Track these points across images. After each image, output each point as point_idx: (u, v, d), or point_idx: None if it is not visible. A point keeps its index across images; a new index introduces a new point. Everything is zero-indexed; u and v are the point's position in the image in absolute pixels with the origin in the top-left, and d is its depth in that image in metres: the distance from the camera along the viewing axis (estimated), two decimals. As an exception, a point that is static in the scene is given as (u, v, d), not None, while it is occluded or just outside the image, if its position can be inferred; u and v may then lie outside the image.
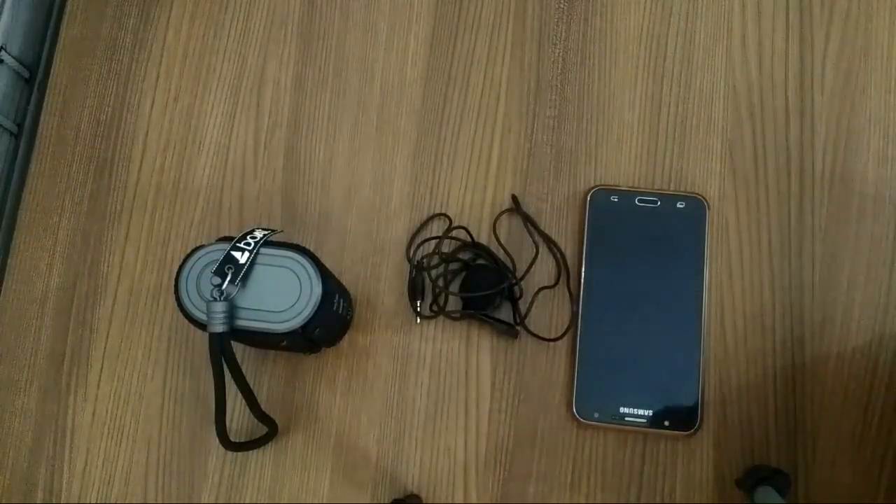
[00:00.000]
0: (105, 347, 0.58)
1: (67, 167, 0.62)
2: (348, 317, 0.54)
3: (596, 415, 0.53)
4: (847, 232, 0.55)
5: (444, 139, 0.60)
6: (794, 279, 0.55)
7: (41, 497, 0.56)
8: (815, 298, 0.54)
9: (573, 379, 0.53)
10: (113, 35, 0.64)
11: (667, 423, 0.52)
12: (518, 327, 0.55)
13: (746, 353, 0.54)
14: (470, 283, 0.54)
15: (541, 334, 0.55)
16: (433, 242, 0.57)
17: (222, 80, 0.62)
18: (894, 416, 0.52)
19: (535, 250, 0.56)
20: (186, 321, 0.58)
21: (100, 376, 0.58)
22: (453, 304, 0.56)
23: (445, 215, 0.58)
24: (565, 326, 0.55)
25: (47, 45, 0.68)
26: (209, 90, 0.62)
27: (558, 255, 0.56)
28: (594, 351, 0.54)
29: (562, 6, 0.61)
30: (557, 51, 0.60)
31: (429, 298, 0.56)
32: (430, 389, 0.55)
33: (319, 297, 0.45)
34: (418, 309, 0.56)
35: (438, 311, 0.55)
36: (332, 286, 0.48)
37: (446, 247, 0.57)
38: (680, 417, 0.52)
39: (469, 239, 0.57)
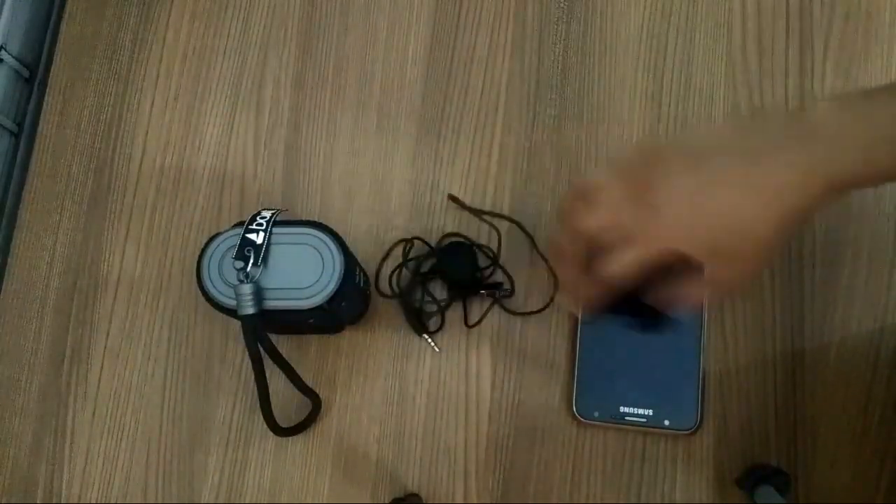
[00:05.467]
0: (105, 347, 0.58)
1: (67, 167, 0.62)
2: (368, 291, 0.55)
3: (596, 414, 0.53)
4: (847, 231, 0.55)
5: (444, 139, 0.60)
6: (794, 279, 0.55)
7: (41, 497, 0.56)
8: (815, 298, 0.54)
9: (573, 378, 0.53)
10: (113, 34, 0.64)
11: (667, 422, 0.52)
12: (507, 290, 0.55)
13: (746, 353, 0.54)
14: (446, 266, 0.55)
15: (524, 310, 0.55)
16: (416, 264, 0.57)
17: (222, 80, 0.62)
18: (894, 415, 0.52)
19: (496, 232, 0.57)
20: (187, 321, 0.58)
21: (100, 376, 0.58)
22: (442, 294, 0.56)
23: (406, 240, 0.57)
24: (546, 300, 0.55)
25: (47, 44, 0.68)
26: (209, 90, 0.62)
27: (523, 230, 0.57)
28: (595, 351, 0.54)
29: (562, 6, 0.61)
30: (557, 50, 0.60)
31: (430, 316, 0.56)
32: (430, 389, 0.55)
33: (343, 270, 0.45)
34: (429, 340, 0.56)
35: (441, 323, 0.56)
36: (351, 258, 0.48)
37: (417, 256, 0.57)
38: (680, 417, 0.52)
39: (428, 247, 0.57)
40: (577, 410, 0.53)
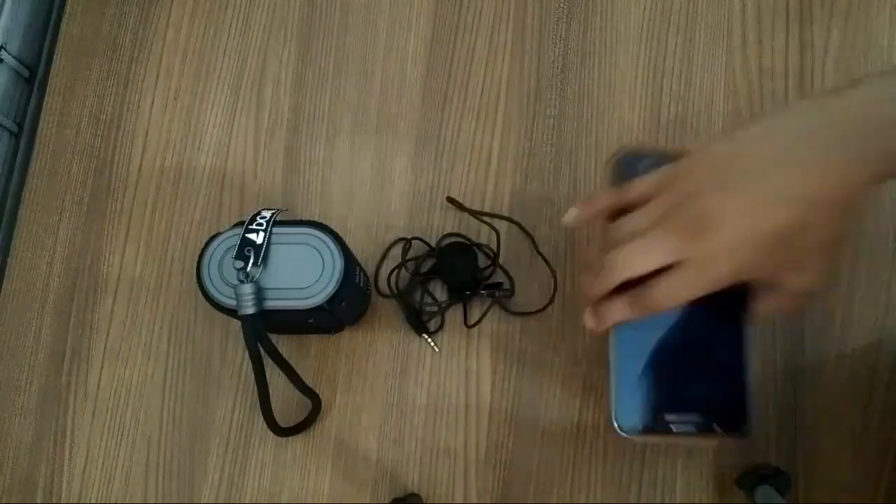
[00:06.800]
0: (105, 347, 0.58)
1: (67, 167, 0.62)
2: (368, 291, 0.55)
3: (640, 426, 0.44)
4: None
5: (444, 139, 0.60)
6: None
7: (41, 497, 0.56)
8: (815, 299, 0.54)
9: (610, 389, 0.45)
10: (113, 34, 0.64)
11: (715, 425, 0.44)
12: (507, 290, 0.55)
13: (746, 353, 0.54)
14: (446, 266, 0.55)
15: (524, 310, 0.55)
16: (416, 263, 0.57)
17: (222, 80, 0.62)
18: (894, 416, 0.52)
19: (496, 232, 0.56)
20: (187, 321, 0.58)
21: (100, 376, 0.58)
22: (442, 294, 0.56)
23: (405, 239, 0.57)
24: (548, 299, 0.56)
25: (47, 44, 0.68)
26: (209, 90, 0.62)
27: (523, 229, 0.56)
28: (631, 356, 0.45)
29: (562, 6, 0.61)
30: (557, 50, 0.60)
31: (430, 317, 0.56)
32: (430, 389, 0.55)
33: (343, 270, 0.46)
34: (429, 340, 0.56)
35: (441, 323, 0.56)
36: (351, 259, 0.48)
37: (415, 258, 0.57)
38: (730, 418, 0.44)
39: (427, 247, 0.57)
40: (618, 423, 0.44)
